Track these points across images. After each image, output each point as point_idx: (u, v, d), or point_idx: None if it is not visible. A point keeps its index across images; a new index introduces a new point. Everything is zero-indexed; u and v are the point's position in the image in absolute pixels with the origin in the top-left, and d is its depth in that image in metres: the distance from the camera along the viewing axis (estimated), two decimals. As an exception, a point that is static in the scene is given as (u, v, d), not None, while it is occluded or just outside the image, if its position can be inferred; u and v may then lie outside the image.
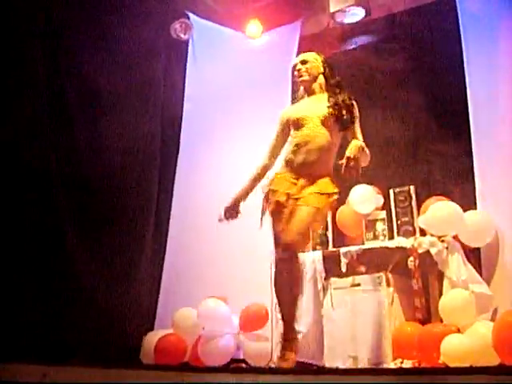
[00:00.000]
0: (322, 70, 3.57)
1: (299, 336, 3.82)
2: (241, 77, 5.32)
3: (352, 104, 3.47)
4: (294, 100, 3.72)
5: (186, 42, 5.45)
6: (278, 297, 3.31)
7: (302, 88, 3.63)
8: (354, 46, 5.04)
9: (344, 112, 3.41)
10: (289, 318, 3.27)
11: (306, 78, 3.55)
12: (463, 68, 4.26)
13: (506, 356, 3.00)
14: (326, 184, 3.34)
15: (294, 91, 3.79)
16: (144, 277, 4.86)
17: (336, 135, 3.43)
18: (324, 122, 3.40)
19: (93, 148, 4.71)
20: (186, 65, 5.50)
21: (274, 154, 3.58)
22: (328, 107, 3.43)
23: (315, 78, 3.55)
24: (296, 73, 3.59)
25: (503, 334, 3.02)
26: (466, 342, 3.18)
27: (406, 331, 3.52)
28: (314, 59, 3.60)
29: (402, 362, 3.40)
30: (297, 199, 3.29)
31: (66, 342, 4.02)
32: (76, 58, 4.63)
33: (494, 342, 3.05)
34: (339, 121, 3.41)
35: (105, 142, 4.75)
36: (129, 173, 4.85)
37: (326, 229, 4.18)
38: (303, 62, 3.59)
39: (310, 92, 3.59)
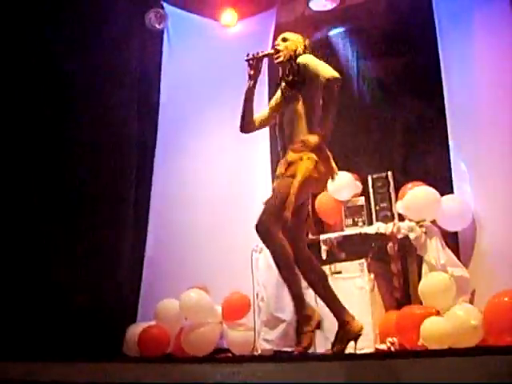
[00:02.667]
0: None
1: (283, 324, 3.85)
2: (217, 65, 5.29)
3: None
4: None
5: (161, 32, 5.40)
6: None
7: None
8: (328, 34, 5.03)
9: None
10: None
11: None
12: (438, 57, 4.29)
13: (494, 336, 3.03)
14: None
15: (271, 79, 3.77)
16: (125, 269, 4.84)
17: None
18: None
19: (68, 139, 4.65)
20: (161, 55, 5.46)
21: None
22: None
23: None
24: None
25: (494, 314, 3.05)
26: (446, 324, 3.22)
27: (392, 319, 3.53)
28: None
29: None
30: None
31: (49, 338, 4.00)
32: (47, 47, 4.56)
33: (484, 322, 3.07)
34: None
35: (81, 132, 4.69)
36: (107, 164, 4.80)
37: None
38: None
39: None
